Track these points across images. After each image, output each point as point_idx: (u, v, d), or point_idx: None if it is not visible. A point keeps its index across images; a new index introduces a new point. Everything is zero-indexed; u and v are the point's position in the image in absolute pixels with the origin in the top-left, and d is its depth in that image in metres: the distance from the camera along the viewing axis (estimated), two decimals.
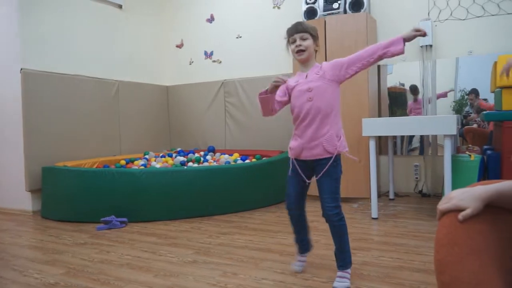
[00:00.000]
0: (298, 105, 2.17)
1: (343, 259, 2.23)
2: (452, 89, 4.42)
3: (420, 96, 4.62)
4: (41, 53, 4.49)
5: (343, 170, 2.23)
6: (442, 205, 1.07)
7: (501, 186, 1.04)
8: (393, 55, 2.12)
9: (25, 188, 4.32)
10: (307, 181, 2.24)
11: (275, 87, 2.14)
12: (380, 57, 2.14)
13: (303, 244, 2.47)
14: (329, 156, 2.13)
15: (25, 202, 4.40)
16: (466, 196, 1.03)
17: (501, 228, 1.03)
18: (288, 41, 2.23)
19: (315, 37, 2.20)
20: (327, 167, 2.13)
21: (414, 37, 2.11)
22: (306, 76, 2.19)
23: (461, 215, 1.01)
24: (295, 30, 2.17)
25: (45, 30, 4.54)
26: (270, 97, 2.17)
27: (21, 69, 4.26)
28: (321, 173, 2.15)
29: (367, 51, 2.15)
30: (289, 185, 2.33)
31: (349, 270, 2.22)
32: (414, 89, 4.66)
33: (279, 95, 2.24)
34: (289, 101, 2.26)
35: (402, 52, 2.09)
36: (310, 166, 2.21)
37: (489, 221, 1.02)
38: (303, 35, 2.16)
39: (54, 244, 3.21)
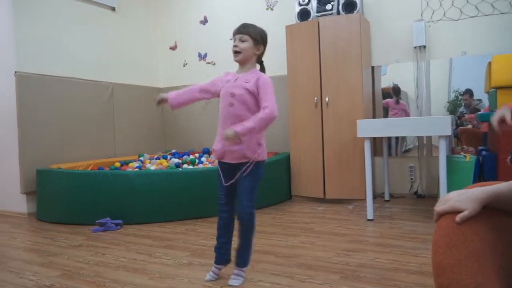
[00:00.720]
0: (221, 107, 2.22)
1: (242, 257, 2.28)
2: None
3: (402, 100, 4.65)
4: (35, 55, 4.46)
5: (264, 176, 2.28)
6: (439, 207, 1.07)
7: (498, 188, 1.05)
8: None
9: (20, 191, 4.29)
10: (224, 183, 2.26)
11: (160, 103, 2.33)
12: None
13: (221, 255, 2.40)
14: (248, 161, 2.17)
15: (20, 204, 4.37)
16: (463, 198, 1.03)
17: (498, 229, 1.03)
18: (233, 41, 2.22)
19: (256, 41, 2.17)
20: (248, 169, 2.17)
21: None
22: (236, 79, 2.19)
23: (458, 217, 1.01)
24: (237, 31, 2.19)
25: (39, 32, 4.52)
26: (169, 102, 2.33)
27: (15, 72, 4.24)
28: (241, 175, 2.18)
29: (257, 122, 2.08)
30: (218, 185, 2.35)
31: (245, 269, 2.31)
32: (397, 90, 4.69)
33: (202, 88, 2.33)
34: (210, 98, 2.34)
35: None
36: (233, 168, 2.23)
37: (487, 223, 1.02)
38: (242, 36, 2.15)
39: (50, 246, 3.18)
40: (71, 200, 3.90)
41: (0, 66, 4.39)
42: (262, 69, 2.28)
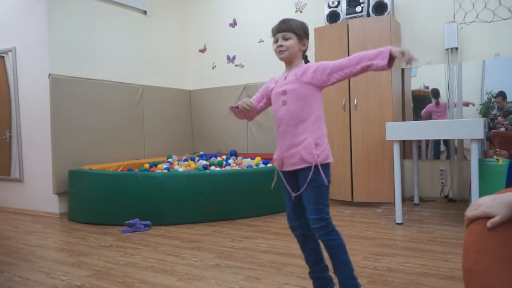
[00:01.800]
0: (275, 109, 2.01)
1: (341, 283, 1.91)
2: (473, 103, 4.32)
3: (442, 100, 4.54)
4: (68, 58, 4.60)
5: (331, 180, 1.99)
6: (470, 212, 1.05)
7: None
8: (377, 70, 1.86)
9: (53, 191, 4.43)
10: (293, 194, 1.97)
11: (245, 110, 2.02)
12: (364, 69, 1.88)
13: (316, 279, 2.05)
14: (307, 165, 1.89)
15: (52, 204, 4.51)
16: (495, 203, 1.01)
17: None
18: (273, 40, 2.04)
19: (300, 36, 1.99)
20: (309, 177, 1.88)
21: (400, 54, 1.83)
22: (286, 77, 2.00)
23: (489, 223, 0.99)
24: (277, 29, 2.00)
25: (73, 36, 4.66)
26: (240, 112, 2.08)
27: (49, 74, 4.38)
28: (303, 184, 1.91)
29: (352, 60, 1.89)
30: (285, 198, 2.07)
31: None
32: (436, 93, 4.58)
33: (256, 100, 2.12)
34: (269, 104, 2.11)
35: (386, 68, 1.84)
36: (295, 177, 1.98)
37: None
38: (285, 34, 1.97)
39: (80, 246, 3.27)
40: (101, 200, 4.00)
41: (35, 69, 4.55)
42: (307, 61, 2.08)
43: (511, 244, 0.97)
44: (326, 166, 1.93)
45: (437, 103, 4.57)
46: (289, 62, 2.02)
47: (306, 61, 2.05)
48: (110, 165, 4.72)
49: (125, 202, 3.90)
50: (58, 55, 4.50)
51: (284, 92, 1.95)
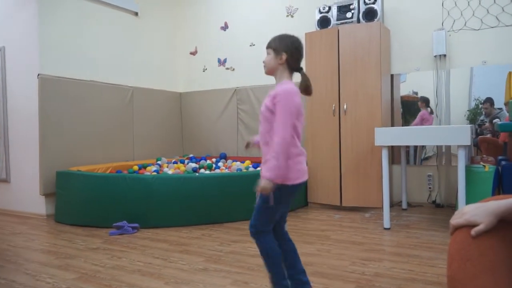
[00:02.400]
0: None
1: (270, 279, 2.04)
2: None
3: (430, 108, 4.61)
4: (58, 58, 4.57)
5: (281, 201, 2.00)
6: (455, 220, 1.07)
7: None
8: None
9: (39, 192, 4.38)
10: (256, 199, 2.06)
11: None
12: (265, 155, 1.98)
13: (293, 281, 2.10)
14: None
15: (39, 206, 4.47)
16: (479, 212, 1.03)
17: None
18: None
19: (277, 51, 2.02)
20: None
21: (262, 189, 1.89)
22: (268, 95, 2.00)
23: (473, 231, 1.00)
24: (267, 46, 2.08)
25: (63, 36, 4.63)
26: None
27: (38, 75, 4.34)
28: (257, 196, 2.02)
29: (275, 145, 1.86)
30: None
31: None
32: (427, 101, 4.62)
33: None
34: None
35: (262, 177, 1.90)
36: None
37: (502, 237, 1.01)
38: (267, 50, 2.06)
39: (67, 248, 3.24)
40: (89, 202, 3.97)
41: (23, 68, 4.52)
42: (303, 76, 2.07)
43: (495, 253, 0.98)
44: (281, 187, 1.92)
45: (431, 112, 4.59)
46: (273, 76, 2.06)
47: (302, 74, 2.06)
48: (98, 167, 4.69)
49: (113, 204, 3.87)
50: (48, 55, 4.46)
51: (260, 113, 2.00)
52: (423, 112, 4.64)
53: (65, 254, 3.09)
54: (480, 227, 1.00)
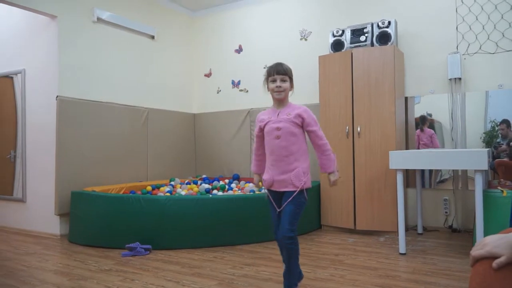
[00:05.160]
0: (268, 140, 2.41)
1: (288, 279, 2.42)
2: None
3: (426, 127, 4.59)
4: (77, 81, 4.66)
5: (307, 202, 2.44)
6: (476, 251, 1.04)
7: None
8: (320, 165, 2.45)
9: (54, 212, 4.42)
10: (277, 209, 2.41)
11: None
12: (318, 157, 2.44)
13: None
14: (295, 189, 2.33)
15: (54, 226, 4.50)
16: (501, 243, 1.00)
17: None
18: (267, 78, 2.43)
19: (291, 79, 2.44)
20: (291, 197, 2.33)
21: (334, 178, 2.44)
22: (278, 114, 2.40)
23: (495, 263, 0.98)
24: (276, 71, 2.38)
25: (81, 59, 4.73)
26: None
27: (57, 97, 4.43)
28: (286, 202, 2.34)
29: (322, 146, 2.42)
30: (271, 213, 2.50)
31: None
32: (422, 119, 4.62)
33: (257, 133, 2.53)
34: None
35: (324, 170, 2.45)
36: (280, 196, 2.42)
37: None
38: (283, 77, 2.38)
39: (80, 269, 3.24)
40: (103, 223, 3.98)
41: (43, 91, 4.62)
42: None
43: None
44: (307, 190, 2.39)
45: (421, 130, 4.61)
46: (281, 101, 2.43)
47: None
48: (112, 187, 4.72)
49: (126, 225, 3.88)
50: (67, 78, 4.56)
51: (278, 129, 2.35)
52: (416, 130, 4.68)
53: (78, 275, 3.09)
54: (502, 259, 0.97)
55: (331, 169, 2.36)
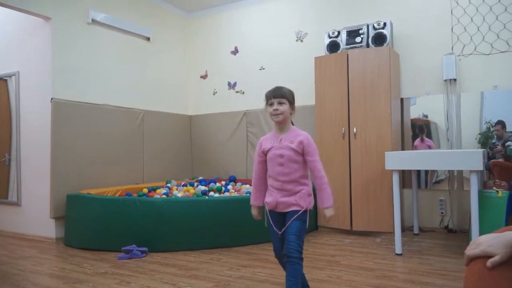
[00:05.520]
0: (271, 165, 2.38)
1: None
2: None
3: (427, 138, 4.59)
4: (71, 83, 4.65)
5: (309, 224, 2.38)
6: (470, 250, 1.04)
7: None
8: (319, 201, 2.36)
9: (50, 215, 4.39)
10: (279, 232, 2.37)
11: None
12: (317, 189, 2.38)
13: None
14: (300, 209, 2.31)
15: (49, 229, 4.47)
16: (495, 242, 1.00)
17: None
18: (267, 103, 2.41)
19: (291, 102, 2.39)
20: (297, 214, 2.30)
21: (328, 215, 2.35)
22: (281, 140, 2.37)
23: (489, 262, 0.98)
24: (273, 95, 2.37)
25: (76, 61, 4.71)
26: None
27: (52, 99, 4.41)
28: (291, 219, 2.30)
29: (319, 179, 2.35)
30: (272, 236, 2.45)
31: None
32: (420, 128, 4.63)
33: (258, 159, 2.47)
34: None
35: (321, 207, 2.36)
36: (284, 217, 2.36)
37: None
38: (280, 100, 2.35)
39: (76, 273, 3.23)
40: (99, 225, 3.96)
41: (37, 93, 4.59)
42: (291, 123, 2.48)
43: (511, 285, 0.96)
44: (310, 212, 2.36)
45: (422, 140, 4.62)
46: (281, 124, 2.39)
47: (292, 123, 2.45)
48: (108, 190, 4.70)
49: (122, 228, 3.87)
50: (61, 80, 4.54)
51: (282, 156, 2.34)
52: (416, 140, 4.68)
53: (73, 278, 3.08)
54: (496, 259, 0.98)
55: (329, 204, 2.32)
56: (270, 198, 2.39)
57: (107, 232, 3.92)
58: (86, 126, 4.71)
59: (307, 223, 2.32)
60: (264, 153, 2.42)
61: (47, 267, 3.43)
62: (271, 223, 2.40)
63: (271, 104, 2.37)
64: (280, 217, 2.38)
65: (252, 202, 2.50)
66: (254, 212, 2.50)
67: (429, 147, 4.60)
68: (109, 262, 3.52)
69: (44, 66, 4.53)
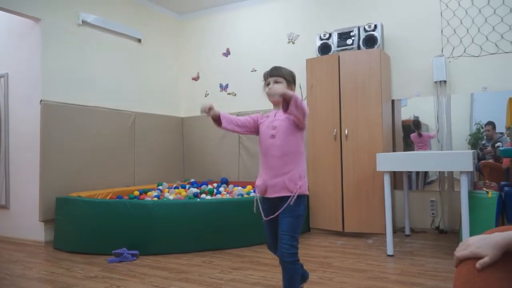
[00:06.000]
0: (262, 140, 2.26)
1: None
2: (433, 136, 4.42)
3: (423, 131, 4.63)
4: (61, 85, 4.61)
5: (307, 212, 2.24)
6: (459, 252, 1.05)
7: None
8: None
9: (39, 219, 4.34)
10: (265, 218, 2.24)
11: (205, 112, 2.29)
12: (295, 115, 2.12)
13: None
14: (290, 194, 2.13)
15: (38, 232, 4.42)
16: (483, 244, 1.01)
17: None
18: (264, 82, 2.31)
19: (289, 82, 2.28)
20: (287, 204, 2.12)
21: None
22: (275, 114, 2.27)
23: (479, 264, 0.98)
24: (270, 74, 2.27)
25: (66, 62, 4.68)
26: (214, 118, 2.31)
27: (41, 101, 4.37)
28: (281, 210, 2.14)
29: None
30: (265, 229, 2.32)
31: None
32: (416, 124, 4.66)
33: (239, 120, 2.33)
34: (247, 132, 2.35)
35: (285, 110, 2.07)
36: (275, 205, 2.21)
37: (507, 269, 0.99)
38: (276, 79, 2.24)
39: (65, 277, 3.19)
40: (89, 229, 3.92)
41: (26, 95, 4.54)
42: None
43: (500, 285, 0.96)
44: (304, 197, 2.19)
45: (419, 135, 4.65)
46: (278, 104, 2.22)
47: None
48: (99, 192, 4.66)
49: (113, 231, 3.83)
50: (51, 82, 4.50)
51: (274, 127, 2.21)
52: (412, 135, 4.71)
53: (62, 283, 3.04)
54: (485, 260, 0.98)
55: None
56: (260, 181, 2.25)
57: (97, 236, 3.88)
58: (76, 128, 4.67)
59: (303, 214, 2.17)
60: (257, 124, 2.31)
61: (36, 271, 3.38)
62: (260, 210, 2.26)
63: (268, 84, 2.27)
64: (272, 205, 2.22)
65: (217, 113, 2.30)
66: (213, 110, 2.28)
67: (430, 137, 4.61)
68: (100, 265, 3.49)
69: (34, 67, 4.48)
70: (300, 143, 2.23)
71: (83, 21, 4.84)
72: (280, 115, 2.21)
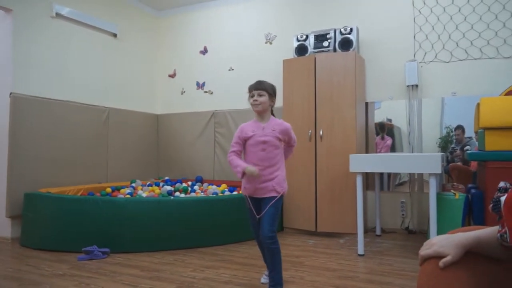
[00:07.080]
0: (253, 151, 2.66)
1: (273, 279, 2.58)
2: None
3: (385, 135, 4.75)
4: (33, 77, 4.49)
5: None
6: (424, 251, 1.08)
7: (481, 233, 1.06)
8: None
9: (5, 214, 4.22)
10: (257, 216, 2.66)
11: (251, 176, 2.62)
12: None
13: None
14: (277, 195, 2.61)
15: (4, 228, 4.29)
16: (446, 243, 1.04)
17: (480, 274, 1.04)
18: (249, 94, 2.70)
19: (271, 95, 2.69)
20: (273, 201, 2.59)
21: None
22: (263, 128, 2.67)
23: (441, 262, 1.01)
24: (254, 87, 2.67)
25: (38, 55, 4.56)
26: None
27: (11, 93, 4.25)
28: (268, 206, 2.58)
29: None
30: (250, 219, 2.76)
31: None
32: (381, 127, 4.77)
33: (238, 148, 2.73)
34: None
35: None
36: (261, 202, 2.65)
37: (469, 268, 1.03)
38: (260, 92, 2.65)
39: (32, 274, 3.12)
40: (58, 226, 3.84)
41: None
42: (272, 114, 2.78)
43: (462, 284, 0.99)
44: (283, 195, 2.71)
45: (382, 138, 4.76)
46: (261, 114, 2.69)
47: (272, 114, 2.78)
48: (69, 189, 4.57)
49: (83, 228, 3.76)
50: (22, 74, 4.38)
51: (265, 142, 2.64)
52: (377, 137, 4.84)
53: (29, 280, 2.97)
54: (448, 259, 1.01)
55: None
56: (249, 185, 2.65)
57: (67, 232, 3.80)
58: (48, 122, 4.56)
59: (281, 206, 2.75)
60: (244, 140, 2.68)
61: (1, 269, 3.28)
62: (251, 207, 2.66)
63: (252, 96, 2.66)
64: (257, 201, 2.65)
65: (241, 165, 2.60)
66: (250, 169, 2.56)
67: (388, 146, 4.73)
68: (69, 263, 3.42)
69: (4, 59, 4.35)
70: (283, 153, 2.74)
71: (56, 14, 4.73)
72: (268, 130, 2.65)
